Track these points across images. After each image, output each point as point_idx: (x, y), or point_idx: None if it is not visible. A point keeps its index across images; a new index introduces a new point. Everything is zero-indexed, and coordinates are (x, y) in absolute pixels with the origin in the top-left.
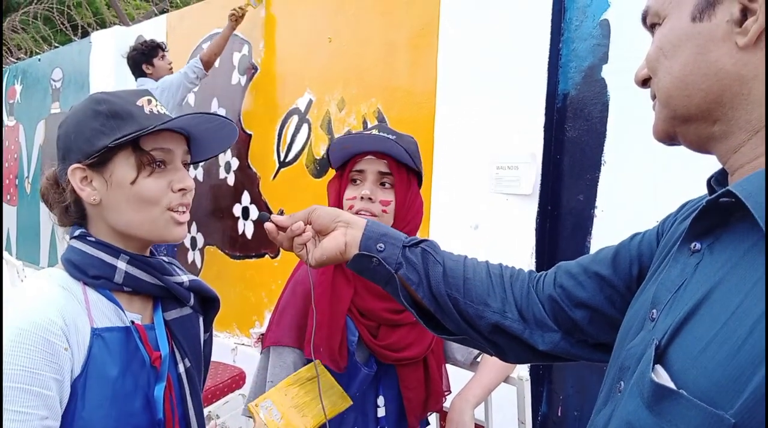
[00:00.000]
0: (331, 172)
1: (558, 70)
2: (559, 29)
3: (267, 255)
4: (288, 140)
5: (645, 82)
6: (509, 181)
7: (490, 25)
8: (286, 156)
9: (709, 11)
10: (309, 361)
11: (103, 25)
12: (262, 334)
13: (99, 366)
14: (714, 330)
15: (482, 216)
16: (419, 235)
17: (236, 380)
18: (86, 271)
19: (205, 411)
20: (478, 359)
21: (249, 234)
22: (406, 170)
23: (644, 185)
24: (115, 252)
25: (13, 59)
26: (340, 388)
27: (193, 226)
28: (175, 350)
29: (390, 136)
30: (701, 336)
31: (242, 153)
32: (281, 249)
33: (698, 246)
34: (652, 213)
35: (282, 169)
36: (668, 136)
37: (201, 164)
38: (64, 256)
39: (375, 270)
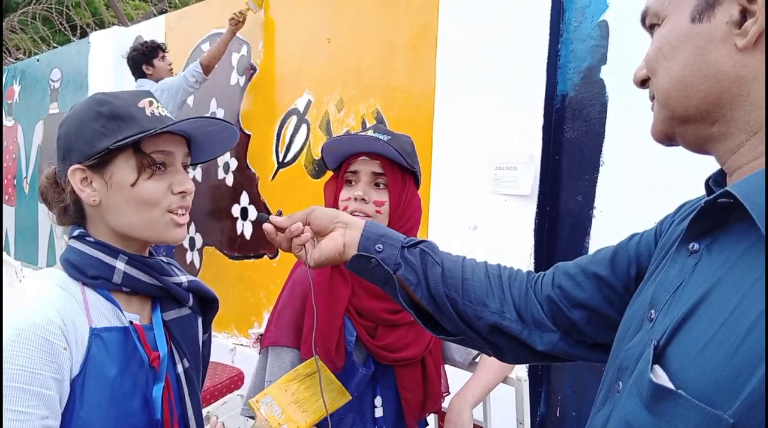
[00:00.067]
0: (330, 173)
1: (557, 70)
2: (557, 30)
3: (265, 256)
4: (287, 141)
5: (644, 83)
6: (508, 182)
7: (489, 26)
8: (284, 156)
9: (708, 12)
10: None
11: (101, 25)
12: (261, 335)
13: (97, 366)
14: (712, 331)
15: (481, 216)
16: (418, 236)
17: (235, 380)
18: (85, 271)
19: (204, 411)
20: (477, 359)
21: (248, 235)
22: (400, 170)
23: (643, 186)
24: (114, 252)
25: (11, 59)
26: (339, 384)
27: (192, 227)
28: (174, 350)
29: (383, 137)
30: (700, 337)
31: (241, 153)
32: (280, 250)
33: (696, 246)
34: (650, 213)
35: (281, 170)
36: (667, 137)
37: (200, 165)
38: (62, 256)
39: (373, 271)
